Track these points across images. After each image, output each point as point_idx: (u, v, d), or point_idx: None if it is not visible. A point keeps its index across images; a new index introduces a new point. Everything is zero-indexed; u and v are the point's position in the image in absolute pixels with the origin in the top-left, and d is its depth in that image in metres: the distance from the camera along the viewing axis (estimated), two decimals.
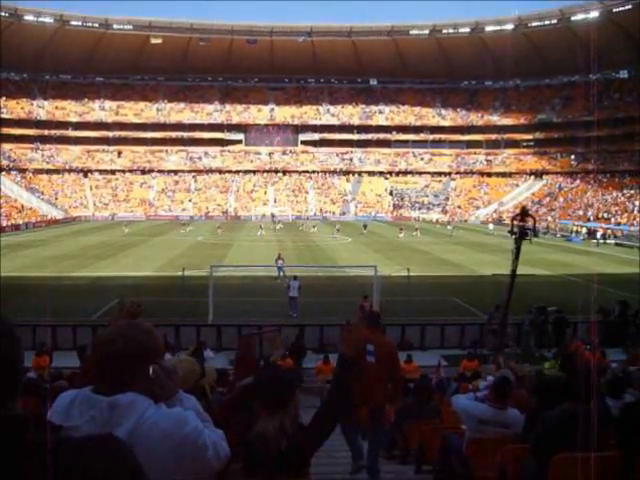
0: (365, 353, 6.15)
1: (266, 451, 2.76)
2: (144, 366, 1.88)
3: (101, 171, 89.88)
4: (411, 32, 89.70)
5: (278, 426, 2.82)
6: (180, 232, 56.12)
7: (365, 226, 59.96)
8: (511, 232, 16.23)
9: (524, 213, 16.17)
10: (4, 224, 56.80)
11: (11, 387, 1.32)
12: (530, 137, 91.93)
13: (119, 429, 1.74)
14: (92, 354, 1.92)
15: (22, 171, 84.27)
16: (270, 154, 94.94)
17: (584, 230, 58.42)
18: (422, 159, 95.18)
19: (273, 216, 74.30)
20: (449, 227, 61.78)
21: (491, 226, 62.82)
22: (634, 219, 58.94)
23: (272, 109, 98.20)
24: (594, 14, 74.28)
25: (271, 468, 2.73)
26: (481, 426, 5.19)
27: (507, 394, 5.26)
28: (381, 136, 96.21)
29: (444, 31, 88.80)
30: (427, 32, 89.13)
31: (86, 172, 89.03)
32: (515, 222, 16.04)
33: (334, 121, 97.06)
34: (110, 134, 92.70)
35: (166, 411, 1.85)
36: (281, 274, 28.40)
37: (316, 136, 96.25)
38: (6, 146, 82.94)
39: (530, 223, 15.87)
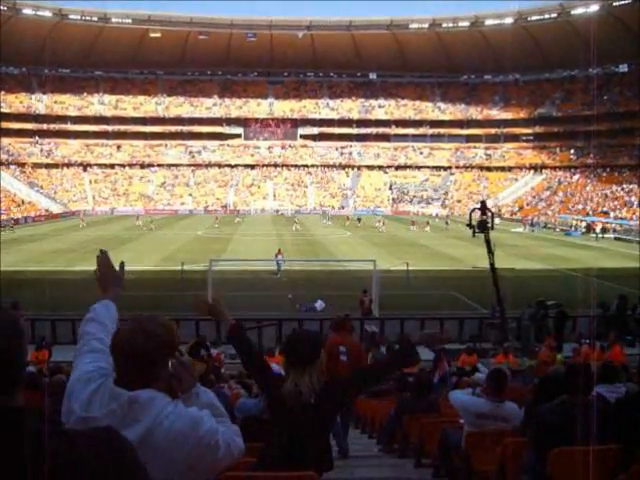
0: (339, 354, 7.29)
1: (298, 404, 3.16)
2: (164, 361, 1.90)
3: (100, 165, 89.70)
4: (411, 26, 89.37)
5: (308, 382, 3.21)
6: (214, 227, 55.60)
7: (359, 219, 61.05)
8: (469, 225, 16.35)
9: (484, 207, 16.38)
10: (3, 218, 56.63)
11: (12, 379, 1.31)
12: (530, 131, 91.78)
13: (136, 426, 1.77)
14: (111, 352, 1.93)
15: (21, 165, 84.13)
16: (269, 148, 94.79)
17: (583, 224, 58.39)
18: (421, 153, 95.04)
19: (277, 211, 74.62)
20: (446, 222, 61.73)
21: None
22: (633, 213, 58.90)
23: (271, 103, 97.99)
24: (594, 8, 74.01)
25: (301, 420, 3.15)
26: (479, 420, 5.18)
27: (503, 387, 5.25)
28: (380, 130, 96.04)
29: (444, 25, 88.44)
30: (427, 26, 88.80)
31: (85, 166, 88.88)
32: (474, 215, 16.25)
33: (333, 115, 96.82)
34: (109, 128, 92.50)
35: (183, 411, 1.86)
36: (280, 269, 28.43)
37: (315, 130, 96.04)
38: (5, 140, 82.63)
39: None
